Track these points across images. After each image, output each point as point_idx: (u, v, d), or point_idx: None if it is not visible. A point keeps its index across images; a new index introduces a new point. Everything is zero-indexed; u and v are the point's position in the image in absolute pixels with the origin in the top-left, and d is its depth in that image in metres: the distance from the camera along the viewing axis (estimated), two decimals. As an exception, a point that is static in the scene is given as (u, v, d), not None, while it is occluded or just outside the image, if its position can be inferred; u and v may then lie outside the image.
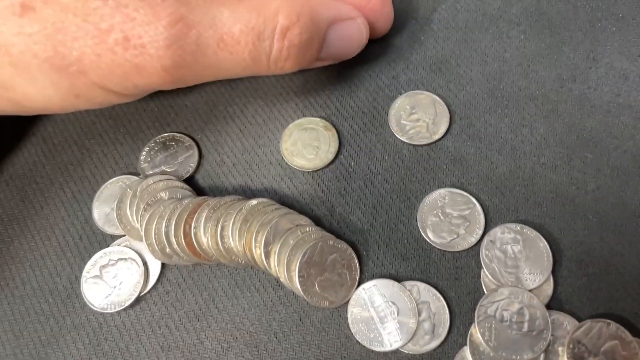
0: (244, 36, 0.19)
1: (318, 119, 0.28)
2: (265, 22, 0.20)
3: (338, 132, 0.27)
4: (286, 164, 0.27)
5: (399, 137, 0.27)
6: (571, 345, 0.22)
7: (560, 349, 0.22)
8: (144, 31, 0.17)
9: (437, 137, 0.27)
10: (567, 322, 0.23)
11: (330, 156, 0.27)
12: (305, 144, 0.27)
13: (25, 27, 0.16)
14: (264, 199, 0.25)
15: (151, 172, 0.27)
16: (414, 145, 0.27)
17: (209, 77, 0.21)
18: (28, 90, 0.17)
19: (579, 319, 0.23)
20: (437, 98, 0.28)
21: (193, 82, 0.20)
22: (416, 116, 0.27)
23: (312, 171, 0.27)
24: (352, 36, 0.25)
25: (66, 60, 0.16)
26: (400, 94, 0.28)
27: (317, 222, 0.25)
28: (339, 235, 0.25)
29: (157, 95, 0.29)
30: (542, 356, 0.22)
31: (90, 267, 0.25)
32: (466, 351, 0.23)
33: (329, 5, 0.24)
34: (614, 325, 0.22)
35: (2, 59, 0.16)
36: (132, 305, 0.24)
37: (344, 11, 0.24)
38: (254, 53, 0.20)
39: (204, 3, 0.18)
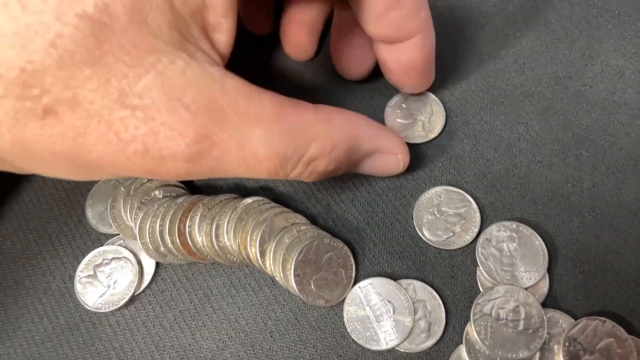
0: (266, 160, 0.18)
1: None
2: (295, 150, 0.19)
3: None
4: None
5: None
6: (567, 343, 0.22)
7: (556, 347, 0.22)
8: (165, 146, 0.16)
9: (432, 135, 0.27)
10: (562, 320, 0.23)
11: (326, 154, 0.26)
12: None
13: (46, 130, 0.15)
14: (259, 198, 0.25)
15: (145, 170, 0.27)
16: (410, 144, 0.27)
17: (218, 178, 0.20)
18: (48, 173, 0.18)
19: (575, 317, 0.23)
20: (433, 96, 0.28)
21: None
22: (412, 115, 0.27)
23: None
24: (386, 168, 0.24)
25: (84, 161, 0.16)
26: (397, 92, 0.28)
27: (313, 220, 0.25)
28: (334, 234, 0.25)
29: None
30: (537, 354, 0.22)
31: (84, 267, 0.25)
32: (462, 350, 0.23)
33: (375, 138, 0.22)
34: (609, 323, 0.22)
35: (22, 153, 0.16)
36: (126, 305, 0.24)
37: (387, 146, 0.23)
38: (273, 173, 0.19)
39: (237, 120, 0.17)
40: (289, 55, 0.27)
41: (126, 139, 0.16)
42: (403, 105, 0.27)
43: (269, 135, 0.18)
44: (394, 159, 0.24)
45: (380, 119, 0.27)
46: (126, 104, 0.15)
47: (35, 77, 0.14)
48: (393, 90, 0.28)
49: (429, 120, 0.27)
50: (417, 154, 0.27)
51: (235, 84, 0.17)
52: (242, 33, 0.21)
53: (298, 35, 0.26)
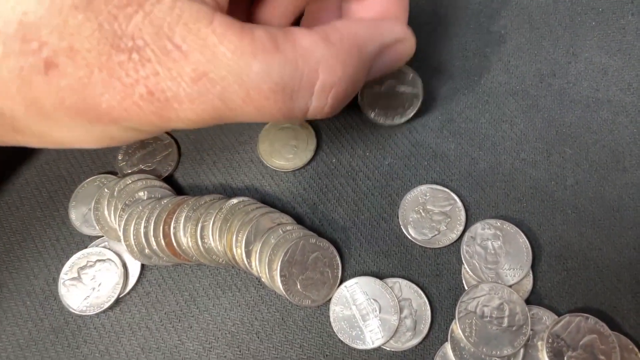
0: (273, 94, 0.17)
1: (295, 117, 0.27)
2: (302, 79, 0.18)
3: (315, 128, 0.27)
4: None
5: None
6: (550, 340, 0.22)
7: (539, 343, 0.23)
8: (167, 86, 0.16)
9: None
10: (546, 317, 0.23)
11: (310, 154, 0.26)
12: (283, 144, 0.26)
13: (52, 84, 0.15)
14: (245, 198, 0.25)
15: (129, 171, 0.26)
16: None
17: (235, 121, 0.19)
18: (64, 136, 0.18)
19: (558, 314, 0.23)
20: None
21: (220, 123, 0.19)
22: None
23: (293, 170, 0.26)
24: (398, 60, 0.22)
25: (97, 112, 0.16)
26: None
27: (299, 220, 0.25)
28: (320, 233, 0.25)
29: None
30: (521, 351, 0.22)
31: (68, 269, 0.24)
32: (447, 347, 0.23)
33: (377, 35, 0.21)
34: (592, 320, 0.22)
35: (36, 113, 0.16)
36: (111, 307, 0.24)
37: (392, 37, 0.21)
38: (285, 110, 0.18)
39: (231, 56, 0.16)
40: None
41: (129, 83, 0.16)
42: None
43: (268, 67, 0.17)
44: (402, 47, 0.22)
45: (365, 116, 0.27)
46: (121, 48, 0.15)
47: (32, 30, 0.14)
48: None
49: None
50: (402, 152, 0.27)
51: (224, 20, 0.17)
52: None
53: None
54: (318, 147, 0.27)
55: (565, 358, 0.22)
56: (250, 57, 0.17)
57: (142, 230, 0.24)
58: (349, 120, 0.28)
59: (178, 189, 0.26)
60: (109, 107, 0.16)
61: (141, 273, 0.25)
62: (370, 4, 0.22)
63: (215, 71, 0.16)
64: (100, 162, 0.27)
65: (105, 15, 0.15)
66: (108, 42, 0.15)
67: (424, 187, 0.26)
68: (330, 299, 0.24)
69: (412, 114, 0.27)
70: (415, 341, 0.23)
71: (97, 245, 0.25)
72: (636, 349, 0.22)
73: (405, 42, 0.22)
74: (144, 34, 0.15)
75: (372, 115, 0.27)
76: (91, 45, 0.15)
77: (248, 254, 0.23)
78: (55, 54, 0.15)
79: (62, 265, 0.25)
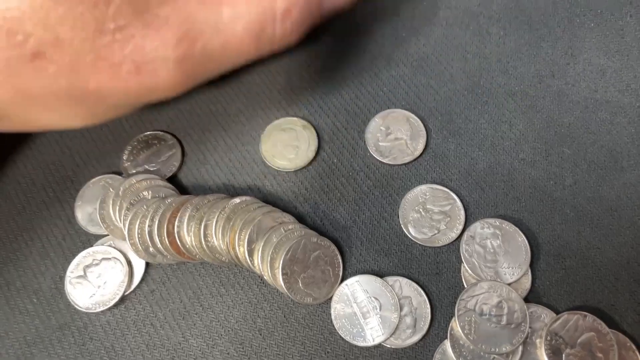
0: (247, 34, 0.19)
1: (296, 119, 0.28)
2: (265, 12, 0.20)
3: (317, 130, 0.27)
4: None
5: (380, 160, 0.27)
6: (548, 338, 0.23)
7: (538, 341, 0.23)
8: (153, 57, 0.17)
9: (417, 153, 0.27)
10: (544, 315, 0.23)
11: (311, 155, 0.27)
12: (285, 145, 0.27)
13: (40, 72, 0.16)
14: (247, 197, 0.25)
15: (134, 171, 0.27)
16: (399, 165, 0.27)
17: (217, 73, 0.21)
18: (52, 119, 0.19)
19: (557, 312, 0.23)
20: (409, 113, 0.28)
21: (203, 82, 0.21)
22: (393, 136, 0.27)
23: (295, 170, 0.27)
24: None
25: (84, 92, 0.17)
26: (382, 91, 0.28)
27: (301, 219, 0.26)
28: (322, 232, 0.25)
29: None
30: (520, 348, 0.23)
31: (74, 267, 0.25)
32: (447, 345, 0.23)
33: None
34: (590, 318, 0.23)
35: (24, 99, 0.17)
36: (116, 305, 0.24)
37: None
38: (258, 44, 0.20)
39: (203, 8, 0.18)
40: None
41: (116, 62, 0.17)
42: (382, 128, 0.27)
43: (235, 9, 0.19)
44: None
45: (366, 117, 0.28)
46: (105, 30, 0.16)
47: (16, 23, 0.15)
48: (379, 89, 0.28)
49: (410, 137, 0.27)
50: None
51: None
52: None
53: None
54: (319, 148, 0.27)
55: (563, 355, 0.22)
56: (218, 5, 0.18)
57: (146, 229, 0.24)
58: (351, 122, 0.28)
59: (182, 189, 0.27)
60: (97, 87, 0.17)
61: (146, 271, 0.25)
62: None
63: (194, 28, 0.18)
64: (105, 163, 0.28)
65: (85, 4, 0.16)
66: (91, 28, 0.16)
67: (423, 187, 0.26)
68: (331, 297, 0.24)
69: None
70: (415, 338, 0.23)
71: (102, 244, 0.26)
72: (634, 347, 0.23)
73: None
74: (124, 13, 0.16)
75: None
76: (75, 33, 0.16)
77: (250, 253, 0.24)
78: (41, 44, 0.16)
79: (69, 263, 0.25)
